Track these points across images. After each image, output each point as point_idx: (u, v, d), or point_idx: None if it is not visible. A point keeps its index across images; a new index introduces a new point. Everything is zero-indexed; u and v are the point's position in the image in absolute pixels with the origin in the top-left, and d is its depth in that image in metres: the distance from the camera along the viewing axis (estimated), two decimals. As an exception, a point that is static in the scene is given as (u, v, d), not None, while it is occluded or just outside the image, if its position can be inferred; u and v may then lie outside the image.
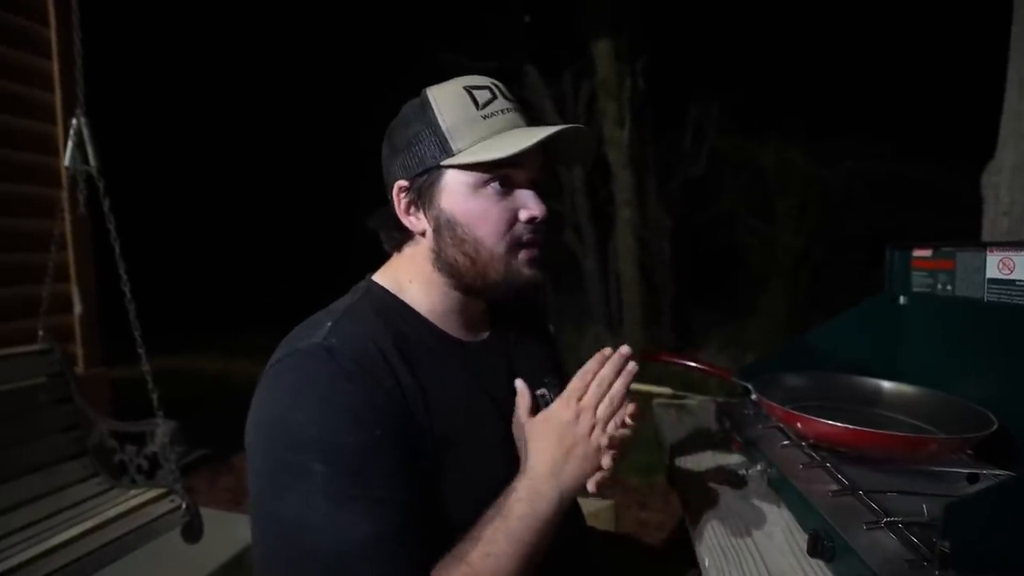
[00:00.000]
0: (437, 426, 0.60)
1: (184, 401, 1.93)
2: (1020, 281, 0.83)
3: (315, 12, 8.04)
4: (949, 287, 0.97)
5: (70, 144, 1.64)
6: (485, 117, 0.64)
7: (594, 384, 0.63)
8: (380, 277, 0.71)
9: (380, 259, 0.74)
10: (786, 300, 5.80)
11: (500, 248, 0.64)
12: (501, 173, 0.64)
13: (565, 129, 0.63)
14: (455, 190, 0.64)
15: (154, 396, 1.63)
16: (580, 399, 0.62)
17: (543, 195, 0.68)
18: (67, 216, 2.11)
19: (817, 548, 0.64)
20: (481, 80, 0.67)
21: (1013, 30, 1.44)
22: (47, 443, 1.61)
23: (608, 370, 0.63)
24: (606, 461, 0.62)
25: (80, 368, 2.40)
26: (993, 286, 0.88)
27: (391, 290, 0.69)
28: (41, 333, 1.71)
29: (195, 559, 1.68)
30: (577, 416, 0.62)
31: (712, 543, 0.72)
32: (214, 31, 8.05)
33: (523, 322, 0.80)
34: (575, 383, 0.63)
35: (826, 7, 5.78)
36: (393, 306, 0.68)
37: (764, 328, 5.47)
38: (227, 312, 7.23)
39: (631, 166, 5.33)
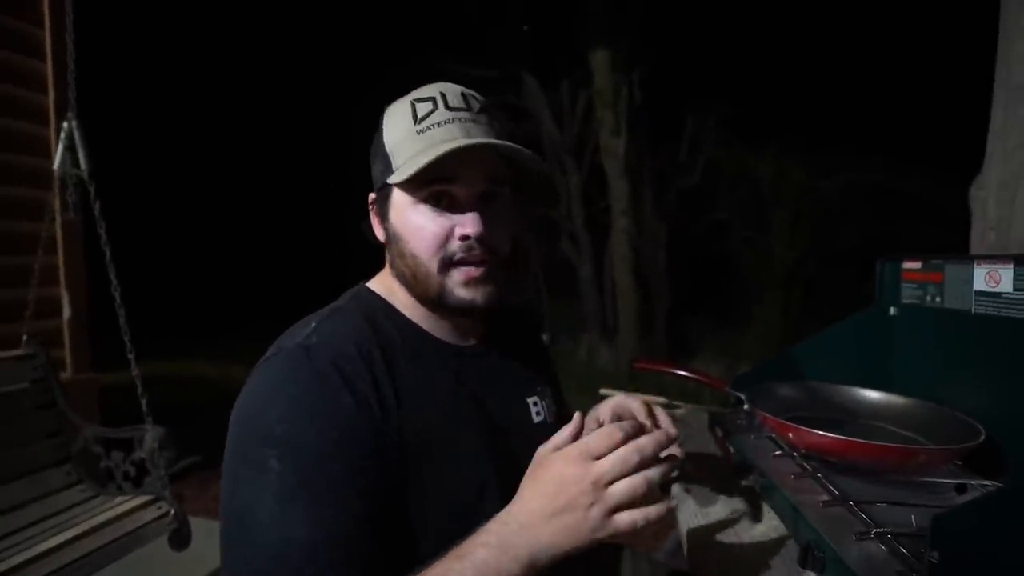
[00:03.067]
0: (411, 431, 0.59)
1: (177, 407, 1.91)
2: (1006, 294, 0.84)
3: (314, 16, 8.08)
4: (938, 299, 0.98)
5: (60, 147, 1.63)
6: (420, 132, 0.63)
7: (621, 451, 0.50)
8: (373, 282, 0.72)
9: (380, 263, 0.74)
10: (780, 310, 5.84)
11: (433, 265, 0.63)
12: (435, 190, 0.62)
13: (497, 144, 0.60)
14: (399, 206, 0.65)
15: (143, 401, 1.61)
16: (597, 459, 0.51)
17: (502, 211, 0.65)
18: (57, 219, 2.09)
19: (808, 559, 0.64)
20: (430, 91, 0.65)
21: (999, 48, 1.47)
22: (30, 449, 1.59)
23: (648, 442, 0.51)
24: (622, 524, 0.50)
25: (68, 373, 2.37)
26: (980, 298, 0.88)
27: (382, 294, 0.69)
28: (25, 337, 1.69)
29: (183, 567, 1.65)
30: (583, 479, 0.50)
31: (704, 553, 0.71)
32: (209, 33, 8.07)
33: (515, 329, 0.80)
34: (598, 440, 0.51)
35: (822, 22, 5.87)
36: (381, 309, 0.68)
37: (758, 338, 5.51)
38: (223, 317, 7.19)
39: (627, 175, 5.38)
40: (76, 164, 1.65)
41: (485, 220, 0.63)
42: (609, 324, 5.82)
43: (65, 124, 1.64)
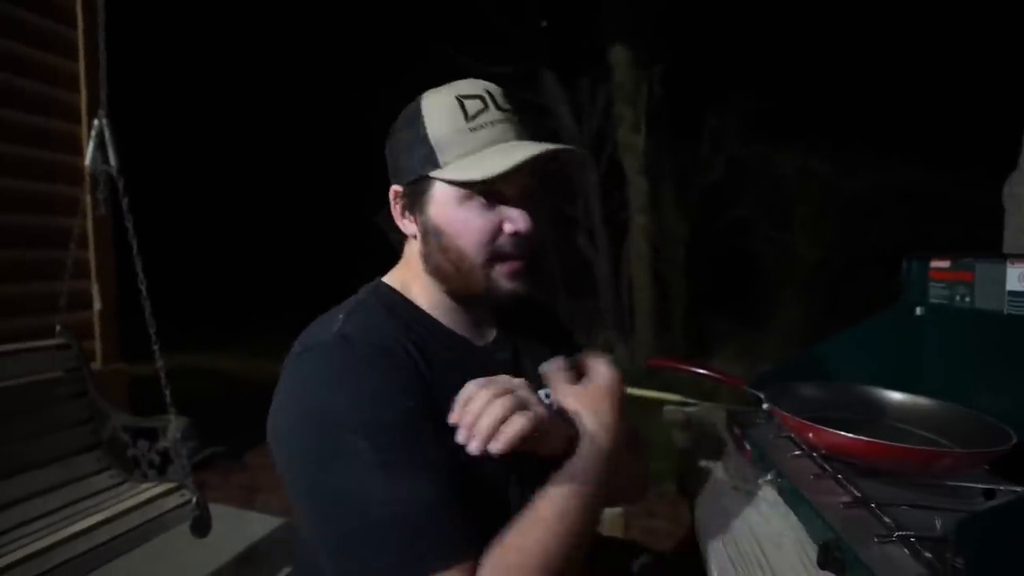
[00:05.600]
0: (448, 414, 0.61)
1: (202, 398, 1.96)
2: (1042, 293, 0.81)
3: (332, 14, 8.17)
4: (968, 299, 0.95)
5: (91, 144, 1.68)
6: (473, 130, 0.63)
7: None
8: (388, 277, 0.73)
9: (396, 257, 0.75)
10: (803, 310, 5.72)
11: (480, 259, 0.65)
12: (486, 187, 0.63)
13: (560, 150, 0.63)
14: (441, 200, 0.65)
15: (167, 392, 1.65)
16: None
17: (535, 206, 0.67)
18: (89, 214, 2.16)
19: (828, 560, 0.63)
20: (475, 88, 0.66)
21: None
22: (63, 436, 1.64)
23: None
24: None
25: (98, 364, 2.45)
26: (1013, 298, 0.86)
27: (398, 289, 0.71)
28: (59, 328, 1.75)
29: (204, 553, 1.70)
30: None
31: (720, 553, 0.71)
32: (231, 32, 8.21)
33: (530, 321, 0.80)
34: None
35: (847, 16, 5.72)
36: (401, 304, 0.69)
37: (780, 338, 5.40)
38: (248, 310, 7.34)
39: (646, 172, 5.32)
40: (106, 160, 1.70)
41: (531, 216, 0.66)
42: (626, 322, 5.78)
43: (96, 122, 1.69)
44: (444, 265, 0.66)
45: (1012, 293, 0.86)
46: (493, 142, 0.63)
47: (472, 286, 0.66)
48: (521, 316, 0.77)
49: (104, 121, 1.69)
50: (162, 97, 7.78)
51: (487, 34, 5.96)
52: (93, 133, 1.69)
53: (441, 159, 0.64)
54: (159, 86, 7.61)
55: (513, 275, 0.66)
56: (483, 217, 0.64)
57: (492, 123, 0.64)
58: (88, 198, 2.07)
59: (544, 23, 6.12)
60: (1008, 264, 0.87)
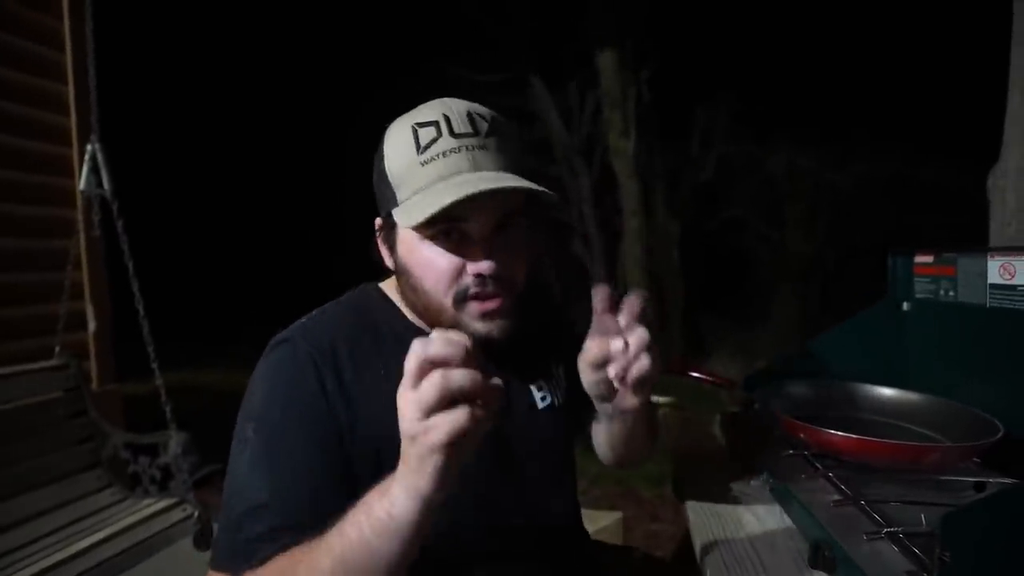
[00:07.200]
0: (381, 422, 0.58)
1: (195, 414, 1.96)
2: (1022, 286, 0.83)
3: (320, 28, 8.20)
4: (952, 293, 0.96)
5: (85, 168, 1.70)
6: (424, 163, 0.60)
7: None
8: (383, 283, 0.74)
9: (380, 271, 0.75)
10: (798, 307, 5.74)
11: (447, 300, 0.62)
12: (443, 226, 0.60)
13: (504, 188, 0.56)
14: (406, 239, 0.64)
15: (167, 408, 1.66)
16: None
17: (516, 237, 0.63)
18: (82, 236, 2.16)
19: (818, 559, 0.63)
20: (433, 113, 0.62)
21: (1014, 30, 1.43)
22: (64, 455, 1.65)
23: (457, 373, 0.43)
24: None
25: (94, 384, 2.44)
26: (995, 291, 0.87)
27: (388, 293, 0.72)
28: (57, 349, 1.76)
29: (208, 567, 1.70)
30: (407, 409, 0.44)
31: (715, 554, 0.71)
32: (221, 48, 8.22)
33: (527, 310, 0.76)
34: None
35: (829, 10, 5.77)
36: (380, 306, 0.70)
37: (776, 336, 5.42)
38: (234, 324, 7.30)
39: (637, 175, 5.35)
40: (100, 184, 1.71)
41: (499, 254, 0.61)
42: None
43: (88, 147, 1.71)
44: (416, 304, 0.66)
45: (994, 286, 0.87)
46: (440, 177, 0.59)
47: (443, 324, 0.63)
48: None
49: (97, 145, 1.71)
50: (150, 117, 7.76)
51: (475, 43, 5.99)
52: (86, 157, 1.71)
53: (399, 196, 0.62)
54: (144, 103, 7.60)
55: (484, 316, 0.62)
56: (444, 257, 0.61)
57: (443, 154, 0.59)
58: (81, 220, 2.08)
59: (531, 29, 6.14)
60: (989, 258, 0.88)
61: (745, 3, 5.91)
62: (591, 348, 0.55)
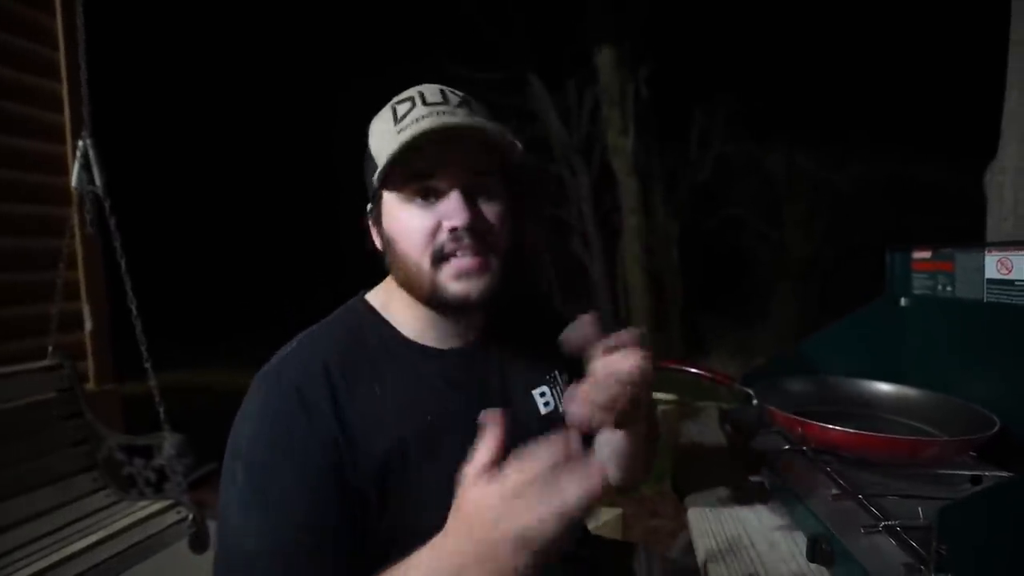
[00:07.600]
0: (379, 447, 0.60)
1: (192, 415, 1.95)
2: (1019, 281, 0.82)
3: (319, 29, 8.19)
4: (949, 288, 0.96)
5: (77, 165, 1.68)
6: (400, 131, 0.61)
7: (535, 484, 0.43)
8: (372, 292, 0.72)
9: (381, 268, 0.75)
10: (797, 305, 5.75)
11: (425, 261, 0.62)
12: (421, 185, 0.62)
13: (472, 126, 0.59)
14: (388, 208, 0.65)
15: (161, 409, 1.65)
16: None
17: (482, 201, 0.63)
18: (77, 235, 2.15)
19: (816, 553, 0.63)
20: (408, 92, 0.66)
21: (1012, 29, 1.43)
22: (58, 457, 1.63)
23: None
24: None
25: (91, 384, 2.43)
26: (992, 287, 0.87)
27: (376, 304, 0.70)
28: (51, 349, 1.74)
29: (203, 570, 1.69)
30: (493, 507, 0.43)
31: (713, 550, 0.71)
32: (216, 47, 8.21)
33: (524, 316, 0.77)
34: (516, 476, 0.43)
35: (828, 9, 5.78)
36: (369, 322, 0.69)
37: (775, 334, 5.43)
38: (241, 326, 7.29)
39: (636, 174, 5.35)
40: (92, 181, 1.70)
41: (474, 210, 0.62)
42: (622, 323, 5.79)
43: (80, 143, 1.69)
44: (401, 275, 0.65)
45: (991, 281, 0.87)
46: (412, 136, 0.60)
47: (424, 290, 0.63)
48: (508, 313, 0.75)
49: (88, 141, 1.69)
50: (145, 114, 7.75)
51: (473, 42, 5.99)
52: (78, 154, 1.69)
53: (379, 166, 0.62)
54: (139, 102, 7.58)
55: (459, 275, 0.62)
56: (419, 217, 0.62)
57: (417, 119, 0.61)
58: (75, 218, 2.07)
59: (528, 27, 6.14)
60: (986, 253, 0.88)
61: (744, 3, 5.92)
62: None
